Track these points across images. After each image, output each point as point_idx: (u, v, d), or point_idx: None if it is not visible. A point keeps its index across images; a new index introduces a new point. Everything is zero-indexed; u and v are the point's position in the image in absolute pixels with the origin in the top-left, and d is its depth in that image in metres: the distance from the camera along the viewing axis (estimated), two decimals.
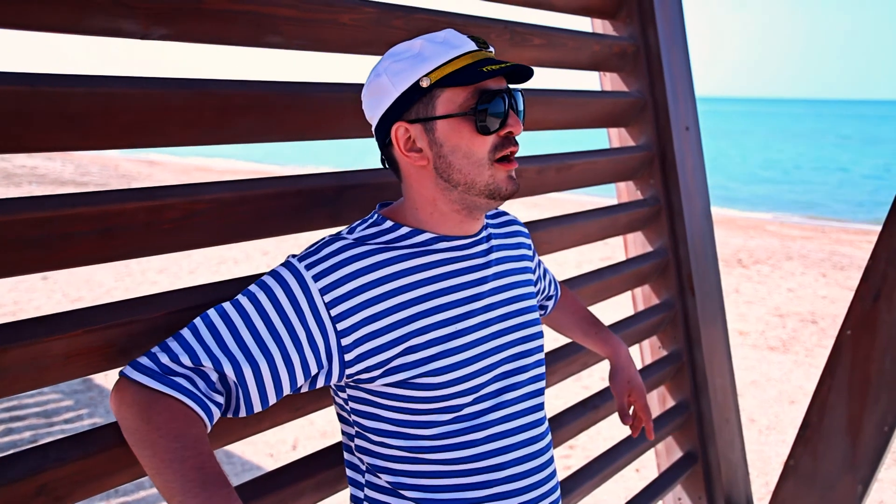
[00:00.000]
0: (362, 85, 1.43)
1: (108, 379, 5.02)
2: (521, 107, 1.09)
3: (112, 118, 1.08)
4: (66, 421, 4.56)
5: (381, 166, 1.18)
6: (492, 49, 1.11)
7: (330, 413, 4.74)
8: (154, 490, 3.78)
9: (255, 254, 9.33)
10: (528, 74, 1.09)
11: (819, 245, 11.85)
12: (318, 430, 4.54)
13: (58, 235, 1.01)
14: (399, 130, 1.07)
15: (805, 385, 5.51)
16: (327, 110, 1.38)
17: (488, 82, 1.05)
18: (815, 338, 6.69)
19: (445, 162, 1.06)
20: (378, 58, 1.50)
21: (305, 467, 1.30)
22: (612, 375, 1.49)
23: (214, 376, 0.97)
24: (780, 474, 2.16)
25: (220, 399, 0.97)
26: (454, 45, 1.06)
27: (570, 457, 4.23)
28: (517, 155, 1.11)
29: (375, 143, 1.15)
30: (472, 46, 1.07)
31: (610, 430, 4.54)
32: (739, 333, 6.72)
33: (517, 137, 1.09)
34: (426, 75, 1.03)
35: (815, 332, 6.87)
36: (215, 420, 0.98)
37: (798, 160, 32.79)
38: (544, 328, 1.32)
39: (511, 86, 1.09)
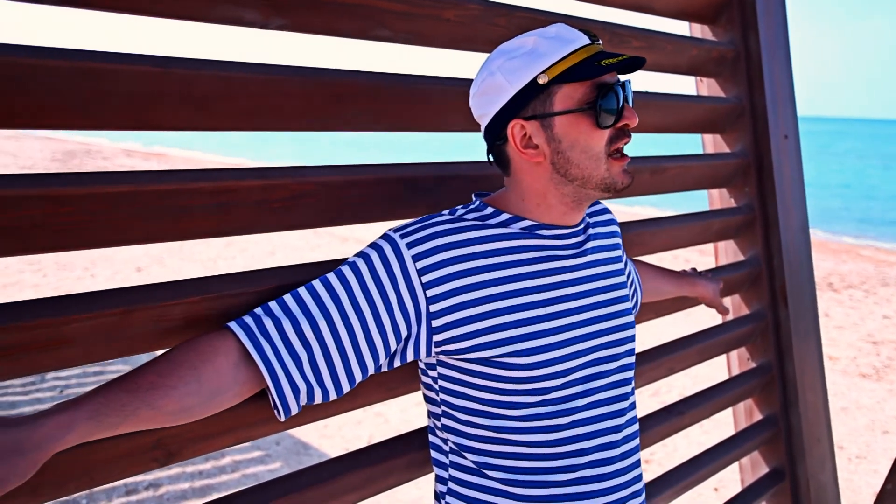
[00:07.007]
0: (468, 80, 1.47)
1: None
2: (631, 98, 1.10)
3: (234, 101, 1.14)
4: None
5: (479, 160, 1.20)
6: (600, 42, 1.12)
7: (405, 412, 4.80)
8: (243, 472, 3.91)
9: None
10: (640, 65, 1.08)
11: None
12: (392, 429, 4.60)
13: (179, 208, 1.08)
14: (515, 128, 1.07)
15: None
16: (432, 103, 1.42)
17: (604, 76, 1.06)
18: None
19: (564, 157, 1.07)
20: (480, 54, 1.54)
21: (398, 446, 1.33)
22: (704, 290, 1.74)
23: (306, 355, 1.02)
24: (875, 498, 2.07)
25: (302, 383, 1.01)
26: (568, 41, 1.05)
27: (645, 471, 4.15)
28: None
29: (473, 139, 1.17)
30: (586, 41, 1.07)
31: (689, 448, 4.42)
32: (829, 358, 6.43)
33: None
34: (543, 72, 1.04)
35: None
36: (282, 381, 0.99)
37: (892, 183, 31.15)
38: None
39: (620, 77, 1.10)
